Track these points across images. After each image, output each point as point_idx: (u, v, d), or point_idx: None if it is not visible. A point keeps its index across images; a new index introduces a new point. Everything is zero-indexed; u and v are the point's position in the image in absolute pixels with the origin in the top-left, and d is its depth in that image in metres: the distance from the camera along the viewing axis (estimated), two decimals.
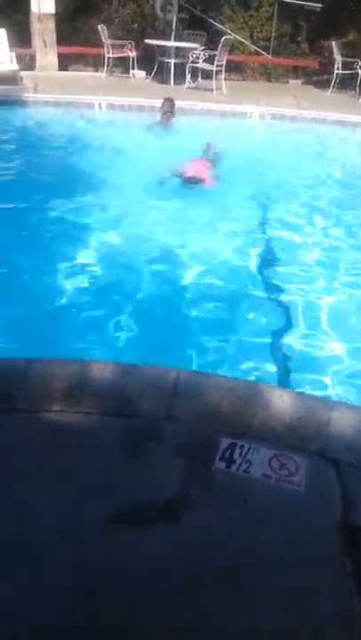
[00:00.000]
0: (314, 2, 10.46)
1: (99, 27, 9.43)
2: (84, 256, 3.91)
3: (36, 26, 9.35)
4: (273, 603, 1.40)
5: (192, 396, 1.96)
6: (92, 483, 1.66)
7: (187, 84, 9.27)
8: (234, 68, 10.57)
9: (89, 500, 1.61)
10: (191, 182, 4.94)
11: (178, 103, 7.78)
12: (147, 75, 10.04)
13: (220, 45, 9.00)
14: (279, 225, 4.84)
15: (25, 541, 1.49)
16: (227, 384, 2.02)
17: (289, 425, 1.86)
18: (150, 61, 9.94)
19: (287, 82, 10.99)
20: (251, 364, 2.90)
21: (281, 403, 1.93)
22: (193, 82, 9.43)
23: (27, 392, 1.96)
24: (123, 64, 10.17)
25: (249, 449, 1.78)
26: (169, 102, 7.00)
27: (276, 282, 3.82)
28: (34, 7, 9.19)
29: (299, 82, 11.00)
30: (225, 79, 9.54)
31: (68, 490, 1.64)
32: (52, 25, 9.42)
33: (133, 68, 9.99)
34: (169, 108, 6.96)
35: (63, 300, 3.41)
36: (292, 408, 1.91)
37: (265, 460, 1.74)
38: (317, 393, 2.63)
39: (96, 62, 10.34)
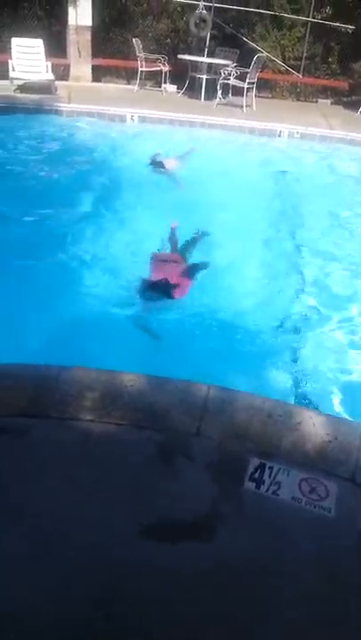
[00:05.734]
0: (347, 24, 10.52)
1: (133, 40, 9.58)
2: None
3: (72, 37, 9.55)
4: (296, 631, 1.38)
5: (222, 413, 1.95)
6: (121, 494, 1.67)
7: (217, 99, 9.35)
8: (263, 85, 10.62)
9: (116, 511, 1.61)
10: (158, 291, 3.57)
11: (208, 119, 7.98)
12: (178, 89, 10.14)
13: (253, 63, 9.06)
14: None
15: (52, 549, 1.49)
16: (257, 403, 2.02)
17: (319, 448, 1.85)
18: (182, 76, 10.04)
19: (316, 101, 11.02)
20: None
21: (312, 425, 1.92)
22: (224, 98, 9.50)
23: (58, 400, 1.97)
24: (155, 78, 10.31)
25: (278, 470, 1.77)
26: None
27: None
28: (71, 19, 9.41)
29: (328, 102, 11.02)
30: (255, 96, 9.61)
31: (96, 500, 1.65)
32: (88, 36, 9.61)
33: (165, 83, 10.11)
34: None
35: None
36: (322, 431, 1.90)
37: (295, 483, 1.73)
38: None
39: (128, 75, 10.49)
